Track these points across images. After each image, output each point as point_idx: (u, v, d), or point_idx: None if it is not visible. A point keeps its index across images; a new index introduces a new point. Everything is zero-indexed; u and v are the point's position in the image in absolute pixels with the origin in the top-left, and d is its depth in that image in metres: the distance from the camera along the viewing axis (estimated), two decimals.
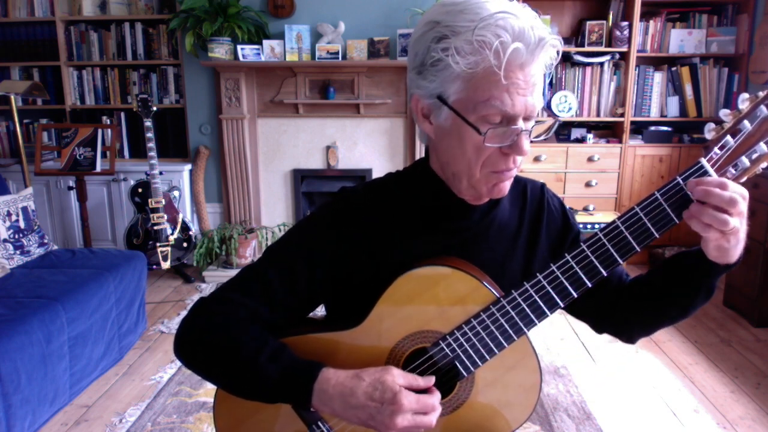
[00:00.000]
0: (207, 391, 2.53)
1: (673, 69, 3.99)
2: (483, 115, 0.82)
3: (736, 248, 0.84)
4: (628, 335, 1.06)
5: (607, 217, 3.78)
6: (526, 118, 0.84)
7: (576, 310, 1.05)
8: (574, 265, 0.86)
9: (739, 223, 0.79)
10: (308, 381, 0.85)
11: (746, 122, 0.80)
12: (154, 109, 3.68)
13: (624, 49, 3.89)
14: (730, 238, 0.81)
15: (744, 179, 0.82)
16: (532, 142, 0.86)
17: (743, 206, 0.79)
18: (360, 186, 1.01)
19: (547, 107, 4.01)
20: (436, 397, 0.88)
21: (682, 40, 3.94)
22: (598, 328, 1.08)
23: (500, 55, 0.78)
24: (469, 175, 0.88)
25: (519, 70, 0.80)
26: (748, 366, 2.74)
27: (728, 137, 0.80)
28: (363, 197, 0.98)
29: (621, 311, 1.02)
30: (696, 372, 2.70)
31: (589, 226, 3.70)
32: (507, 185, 0.90)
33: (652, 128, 4.01)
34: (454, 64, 0.80)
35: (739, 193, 0.78)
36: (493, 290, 0.90)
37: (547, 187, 1.07)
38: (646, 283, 1.00)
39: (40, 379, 2.16)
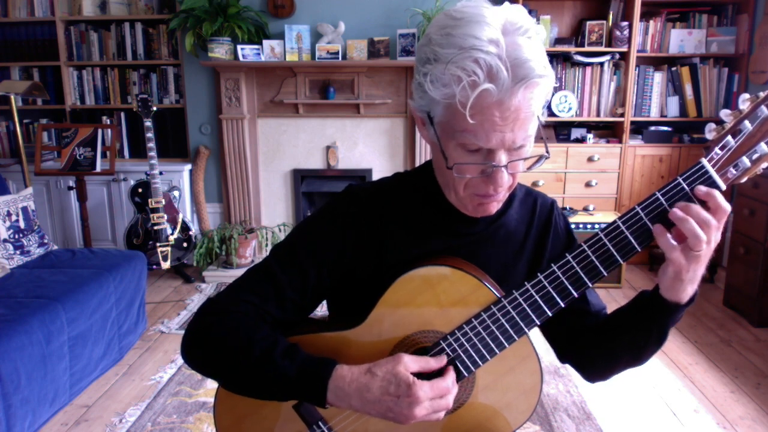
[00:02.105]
0: (207, 391, 2.53)
1: (673, 69, 3.99)
2: (461, 143, 0.82)
3: (690, 284, 0.84)
4: (587, 372, 1.05)
5: (607, 217, 3.77)
6: (512, 149, 0.82)
7: (548, 332, 1.05)
8: (575, 265, 0.86)
9: (705, 251, 0.79)
10: (324, 378, 0.85)
11: (747, 122, 0.79)
12: (154, 109, 3.68)
13: (624, 49, 3.89)
14: (691, 266, 0.80)
15: (745, 179, 0.82)
16: (529, 169, 0.86)
17: (715, 236, 0.79)
18: (367, 184, 1.01)
19: (547, 108, 4.01)
20: (450, 376, 0.88)
21: (682, 40, 3.94)
22: (562, 357, 1.07)
23: (468, 94, 0.76)
24: (454, 191, 0.89)
25: (495, 107, 0.77)
26: (748, 366, 2.74)
27: (729, 137, 0.80)
28: (369, 196, 0.99)
29: (581, 347, 1.02)
30: (696, 372, 2.70)
31: (589, 226, 3.70)
32: (493, 206, 0.90)
33: (652, 128, 4.01)
34: (429, 91, 0.81)
35: (714, 221, 0.78)
36: (493, 290, 0.90)
37: (557, 205, 1.07)
38: (606, 322, 1.00)
39: (40, 379, 2.16)
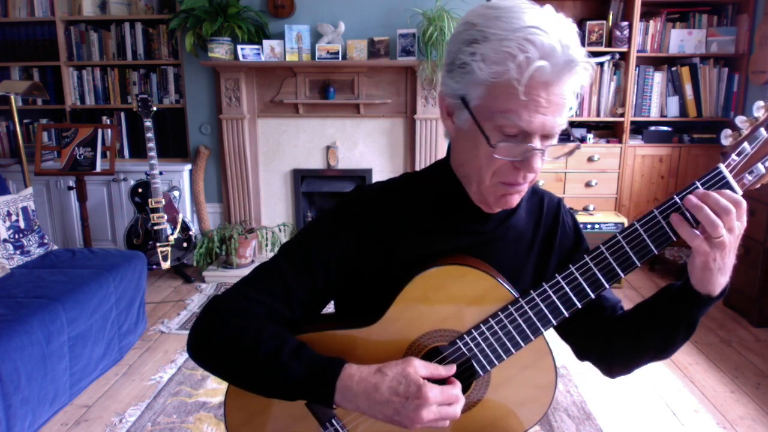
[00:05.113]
0: (207, 391, 2.53)
1: (673, 69, 3.99)
2: (499, 125, 0.82)
3: (720, 274, 0.83)
4: (608, 368, 1.05)
5: (607, 217, 3.77)
6: (546, 137, 0.83)
7: (564, 331, 1.05)
8: (593, 267, 0.87)
9: (727, 239, 0.79)
10: (331, 378, 0.84)
11: (762, 130, 0.82)
12: (154, 109, 3.68)
13: (624, 49, 3.89)
14: (717, 253, 0.80)
15: (759, 185, 0.84)
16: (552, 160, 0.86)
17: (735, 223, 0.79)
18: (376, 184, 1.01)
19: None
20: (457, 387, 0.87)
21: (682, 40, 3.94)
22: (581, 355, 1.07)
23: (523, 70, 0.77)
24: (479, 180, 0.88)
25: (542, 88, 0.79)
26: (748, 366, 2.74)
27: (745, 144, 0.82)
28: (379, 195, 0.99)
29: (604, 341, 1.01)
30: (696, 372, 2.70)
31: (589, 226, 3.70)
32: (515, 198, 0.90)
33: (652, 128, 4.01)
34: (478, 70, 0.80)
35: (733, 208, 0.79)
36: (511, 290, 0.90)
37: (564, 203, 1.08)
38: (630, 315, 1.00)
39: (40, 379, 2.16)
